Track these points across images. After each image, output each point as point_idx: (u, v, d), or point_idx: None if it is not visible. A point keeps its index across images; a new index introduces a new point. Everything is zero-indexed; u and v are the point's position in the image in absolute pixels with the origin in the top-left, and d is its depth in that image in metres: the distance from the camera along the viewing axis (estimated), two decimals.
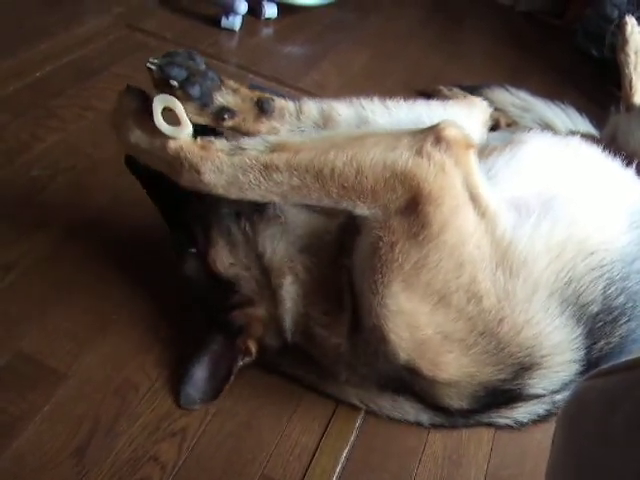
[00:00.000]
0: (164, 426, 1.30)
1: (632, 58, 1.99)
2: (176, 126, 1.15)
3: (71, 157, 1.82)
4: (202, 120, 1.21)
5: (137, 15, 2.57)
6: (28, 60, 2.15)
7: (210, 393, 1.33)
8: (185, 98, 1.17)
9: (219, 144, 1.17)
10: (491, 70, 2.78)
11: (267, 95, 1.26)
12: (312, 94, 2.34)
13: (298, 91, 2.35)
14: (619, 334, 1.23)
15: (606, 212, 1.27)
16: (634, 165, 1.39)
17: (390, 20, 3.09)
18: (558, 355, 1.19)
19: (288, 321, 1.29)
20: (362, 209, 1.14)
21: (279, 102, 1.26)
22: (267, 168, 1.13)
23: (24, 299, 1.45)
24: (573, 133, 1.76)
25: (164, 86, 1.16)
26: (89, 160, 1.83)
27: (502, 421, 1.30)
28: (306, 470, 1.30)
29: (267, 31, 2.75)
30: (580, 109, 2.20)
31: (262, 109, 1.24)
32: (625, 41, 1.99)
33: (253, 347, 1.32)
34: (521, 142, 1.31)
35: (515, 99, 2.31)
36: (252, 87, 1.28)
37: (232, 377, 1.31)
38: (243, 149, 1.16)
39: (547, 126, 2.16)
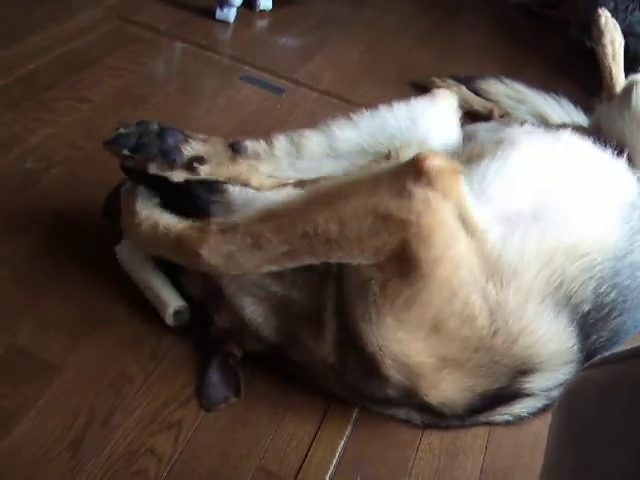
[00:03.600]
0: (160, 419, 1.30)
1: (609, 49, 1.99)
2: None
3: (65, 150, 1.82)
4: (178, 176, 1.26)
5: (129, 7, 2.55)
6: (20, 53, 2.13)
7: (230, 392, 1.35)
8: (147, 159, 1.22)
9: (216, 222, 1.21)
10: (485, 62, 2.77)
11: (236, 139, 1.31)
12: (307, 86, 2.34)
13: (293, 82, 2.34)
14: (610, 328, 1.23)
15: (597, 210, 1.26)
16: (625, 155, 1.39)
17: (384, 13, 3.08)
18: (553, 358, 1.19)
19: (266, 332, 1.32)
20: (351, 260, 1.14)
21: (250, 142, 1.30)
22: (258, 239, 1.16)
23: (18, 292, 1.44)
24: (566, 125, 1.76)
25: (126, 160, 1.24)
26: (83, 152, 1.82)
27: (500, 418, 1.30)
28: (302, 462, 1.29)
29: (262, 23, 2.73)
30: (575, 100, 2.20)
31: (235, 149, 1.28)
32: (600, 33, 2.00)
33: (236, 351, 1.37)
34: (512, 144, 1.29)
35: (509, 90, 2.31)
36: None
37: (239, 374, 1.36)
38: (237, 224, 1.19)
39: (541, 118, 2.16)
